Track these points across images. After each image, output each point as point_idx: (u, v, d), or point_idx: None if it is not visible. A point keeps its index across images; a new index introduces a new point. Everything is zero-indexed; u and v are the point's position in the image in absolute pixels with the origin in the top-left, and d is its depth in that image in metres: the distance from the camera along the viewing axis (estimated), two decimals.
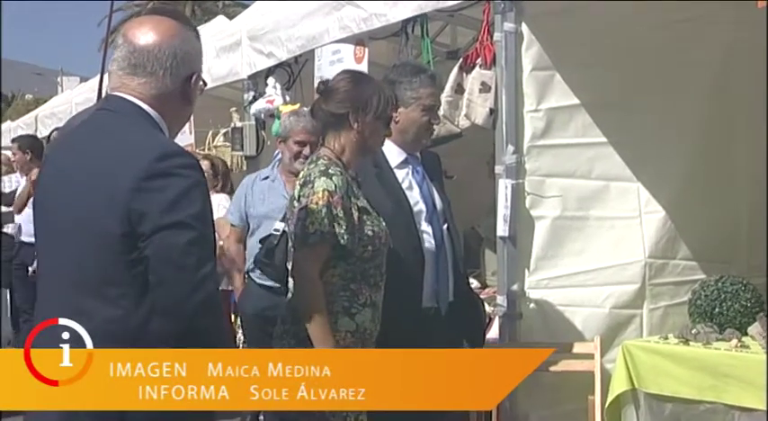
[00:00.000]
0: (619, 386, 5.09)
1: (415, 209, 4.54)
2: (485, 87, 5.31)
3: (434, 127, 4.75)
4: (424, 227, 4.55)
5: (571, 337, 5.26)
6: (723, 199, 5.70)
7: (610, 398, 5.08)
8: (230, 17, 10.29)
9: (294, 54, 6.96)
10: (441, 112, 5.63)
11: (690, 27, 5.43)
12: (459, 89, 5.55)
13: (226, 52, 8.38)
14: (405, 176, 4.59)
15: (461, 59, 5.61)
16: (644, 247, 5.58)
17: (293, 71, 7.59)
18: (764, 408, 4.62)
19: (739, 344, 4.90)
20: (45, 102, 18.24)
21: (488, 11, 5.23)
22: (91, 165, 2.81)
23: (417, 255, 4.46)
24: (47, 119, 14.34)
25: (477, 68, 5.42)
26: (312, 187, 3.89)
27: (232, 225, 6.45)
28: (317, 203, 3.83)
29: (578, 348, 5.17)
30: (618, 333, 5.40)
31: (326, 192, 3.84)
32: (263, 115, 7.71)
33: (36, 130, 14.60)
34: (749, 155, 5.72)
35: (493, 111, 5.23)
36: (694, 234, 5.69)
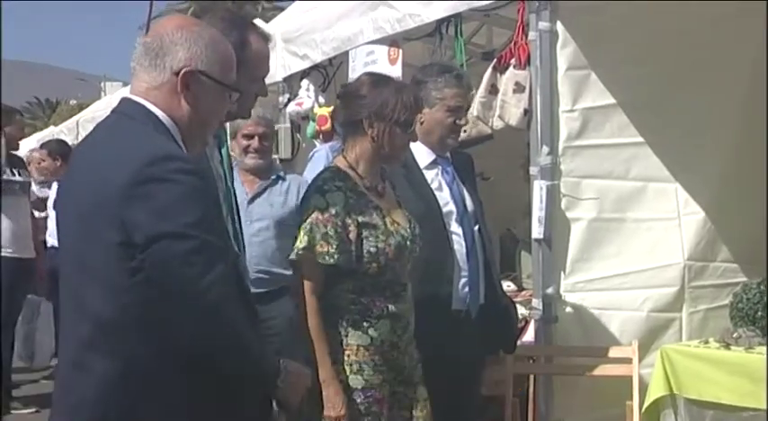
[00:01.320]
0: (657, 391, 4.99)
1: (445, 210, 4.47)
2: (519, 87, 5.24)
3: (463, 128, 4.67)
4: (455, 228, 4.48)
5: (608, 341, 5.20)
6: (763, 200, 5.57)
7: (647, 404, 4.98)
8: (267, 21, 10.23)
9: (328, 56, 6.91)
10: (474, 113, 5.62)
11: (728, 23, 5.34)
12: (493, 90, 5.48)
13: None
14: (434, 177, 4.53)
15: (495, 60, 5.56)
16: (683, 249, 5.53)
17: (328, 73, 7.57)
18: None
19: None
20: (87, 106, 18.45)
21: (523, 10, 5.18)
22: (91, 170, 2.74)
23: (447, 256, 4.40)
24: (88, 123, 14.37)
25: (510, 68, 5.36)
26: (307, 204, 3.88)
27: None
28: (305, 220, 3.79)
29: (615, 352, 5.09)
30: (656, 337, 5.32)
31: (316, 210, 3.78)
32: (297, 118, 7.64)
33: (77, 135, 14.86)
34: None
35: (527, 112, 5.17)
36: (735, 235, 5.63)
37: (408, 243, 3.95)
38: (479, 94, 5.55)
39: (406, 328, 3.92)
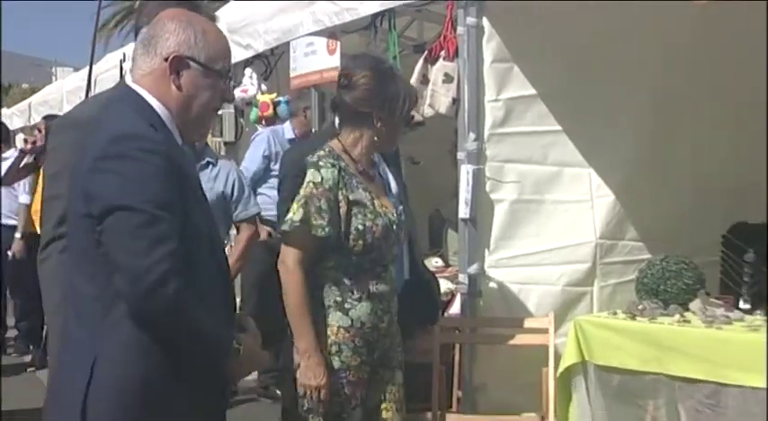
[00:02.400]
0: (570, 358, 5.11)
1: None
2: (448, 78, 5.32)
3: None
4: None
5: (527, 313, 5.31)
6: (669, 184, 5.73)
7: (561, 370, 5.10)
8: (212, 11, 10.22)
9: (270, 46, 6.96)
10: None
11: (640, 21, 5.45)
12: (423, 80, 5.53)
13: None
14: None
15: (426, 52, 5.60)
16: (595, 229, 5.63)
17: (270, 62, 7.62)
18: (703, 378, 4.70)
19: (682, 320, 4.94)
20: (39, 90, 18.29)
21: (452, 6, 5.25)
22: (78, 149, 2.79)
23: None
24: (39, 106, 14.37)
25: (440, 60, 5.42)
26: (300, 178, 3.81)
27: None
28: (300, 193, 3.74)
29: (533, 323, 5.20)
30: (570, 309, 5.45)
31: (310, 183, 3.74)
32: (241, 103, 7.68)
33: (29, 117, 14.84)
34: (694, 142, 5.74)
35: (455, 101, 5.24)
36: (642, 216, 5.74)
37: (395, 227, 3.92)
38: (412, 81, 5.66)
39: (387, 310, 3.89)
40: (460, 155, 5.19)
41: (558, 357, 5.15)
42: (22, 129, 14.57)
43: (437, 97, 5.45)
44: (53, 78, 18.46)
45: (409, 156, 7.64)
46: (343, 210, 3.76)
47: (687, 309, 5.06)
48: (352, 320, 3.76)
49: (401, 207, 4.09)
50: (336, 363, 3.73)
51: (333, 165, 3.79)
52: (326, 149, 3.90)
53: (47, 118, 9.59)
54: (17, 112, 16.56)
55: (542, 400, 5.07)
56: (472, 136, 5.10)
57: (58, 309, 3.25)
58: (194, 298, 2.63)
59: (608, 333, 5.03)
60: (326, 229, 3.71)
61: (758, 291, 5.20)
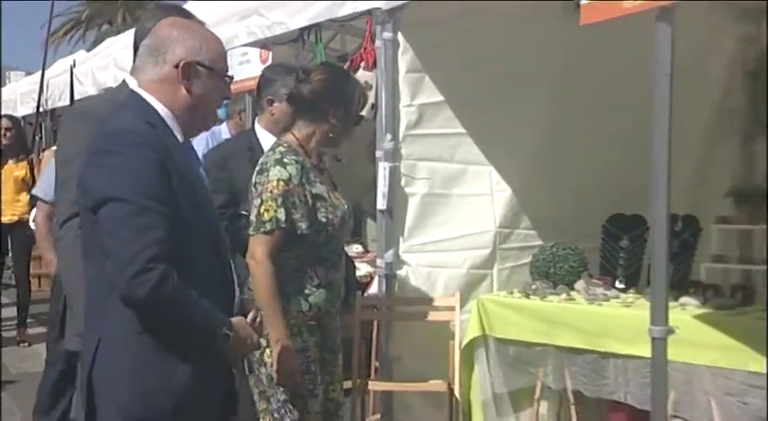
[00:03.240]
0: (473, 332, 5.27)
1: None
2: (367, 86, 5.29)
3: None
4: None
5: (436, 293, 5.41)
6: (558, 181, 5.85)
7: (465, 342, 5.25)
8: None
9: None
10: None
11: (533, 39, 5.57)
12: None
13: None
14: None
15: (348, 62, 5.68)
16: (494, 219, 5.72)
17: None
18: (586, 348, 4.88)
19: (568, 298, 5.14)
20: None
21: (371, 22, 5.30)
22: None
23: None
24: None
25: (361, 70, 5.48)
26: (267, 175, 3.68)
27: (43, 201, 5.92)
28: (271, 192, 3.62)
29: (442, 302, 5.32)
30: (473, 289, 5.55)
31: (281, 182, 3.63)
32: None
33: None
34: (581, 147, 5.86)
35: (374, 106, 5.28)
36: (535, 209, 5.84)
37: (347, 217, 3.87)
38: None
39: (338, 296, 3.86)
40: (378, 153, 5.23)
41: (462, 331, 5.25)
42: None
43: None
44: (6, 81, 17.96)
45: (333, 154, 7.77)
46: (310, 202, 3.69)
47: (573, 289, 5.22)
48: (310, 305, 3.71)
49: (349, 204, 4.03)
50: (298, 345, 3.65)
51: (296, 161, 3.70)
52: (285, 145, 3.80)
53: (8, 118, 9.51)
54: None
55: (449, 369, 5.14)
56: (389, 137, 5.15)
57: (77, 282, 3.19)
58: (182, 284, 2.55)
59: (505, 310, 5.19)
60: (303, 224, 3.64)
61: (631, 272, 5.36)
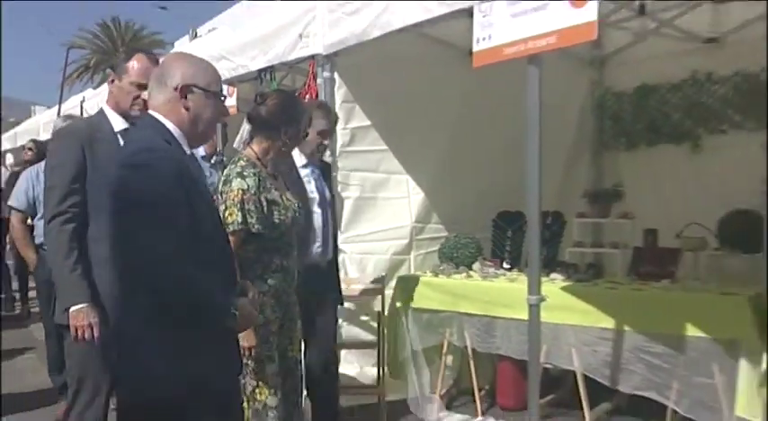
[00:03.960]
0: (395, 303, 5.32)
1: (311, 196, 4.31)
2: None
3: (325, 144, 4.50)
4: (316, 209, 4.32)
5: (367, 274, 5.39)
6: (459, 185, 5.82)
7: (389, 310, 5.28)
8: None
9: None
10: None
11: (438, 77, 5.56)
12: None
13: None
14: (306, 174, 4.35)
15: (297, 95, 5.53)
16: (411, 216, 5.74)
17: None
18: (480, 313, 4.94)
19: (467, 276, 5.20)
20: (21, 123, 17.80)
21: (313, 64, 5.25)
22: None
23: (310, 228, 4.27)
24: (24, 134, 13.92)
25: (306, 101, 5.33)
26: (230, 186, 3.51)
27: (17, 210, 5.67)
28: (233, 199, 3.46)
29: (372, 280, 5.29)
30: (395, 270, 5.56)
31: (241, 191, 3.46)
32: None
33: (15, 142, 14.37)
34: (476, 160, 5.84)
35: None
36: (442, 208, 5.86)
37: (297, 215, 3.73)
38: None
39: (293, 278, 3.72)
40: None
41: (387, 303, 5.27)
42: (9, 151, 14.05)
43: None
44: (32, 114, 17.54)
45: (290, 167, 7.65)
46: (265, 208, 3.54)
47: (471, 269, 5.27)
48: (269, 286, 3.57)
49: (299, 202, 3.82)
50: (261, 320, 3.43)
51: (254, 174, 3.54)
52: (245, 159, 3.63)
53: (32, 141, 9.27)
54: (6, 139, 16.10)
55: (379, 331, 5.15)
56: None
57: (63, 266, 3.21)
58: (197, 273, 2.41)
59: (420, 286, 5.21)
60: (256, 226, 3.48)
61: (514, 256, 5.44)
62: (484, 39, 3.78)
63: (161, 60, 2.87)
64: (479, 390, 5.16)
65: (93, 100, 10.74)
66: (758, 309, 4.14)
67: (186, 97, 2.58)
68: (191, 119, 2.61)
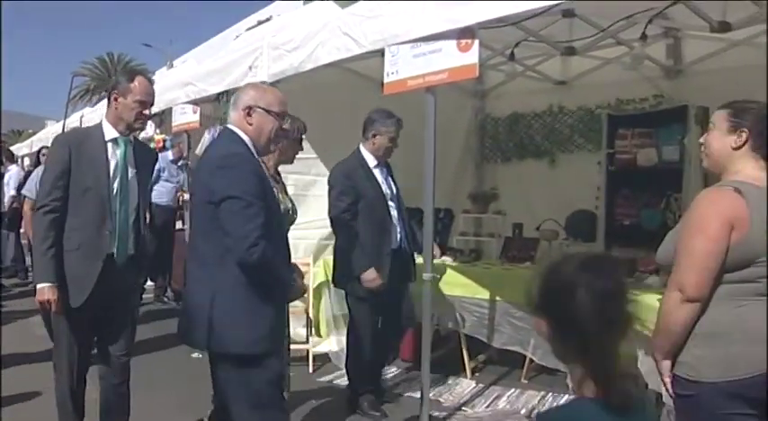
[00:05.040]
0: (320, 278, 5.21)
1: (385, 192, 4.15)
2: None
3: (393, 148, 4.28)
4: (390, 204, 4.17)
5: (299, 255, 5.17)
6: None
7: (315, 285, 5.17)
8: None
9: (161, 109, 6.47)
10: None
11: (357, 102, 5.27)
12: None
13: None
14: (378, 174, 4.19)
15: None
16: None
17: (162, 117, 7.29)
18: None
19: None
20: (36, 134, 17.55)
21: None
22: (204, 165, 2.62)
23: (387, 220, 4.12)
24: (38, 142, 13.41)
25: None
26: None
27: (28, 198, 5.82)
28: None
29: (302, 260, 5.09)
30: (321, 253, 5.42)
31: None
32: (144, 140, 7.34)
33: (31, 148, 13.93)
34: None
35: None
36: None
37: (291, 212, 3.65)
38: None
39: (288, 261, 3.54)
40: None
41: (314, 278, 5.17)
42: (27, 155, 13.68)
43: None
44: (45, 126, 17.09)
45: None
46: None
47: None
48: None
49: (291, 200, 3.76)
50: None
51: None
52: None
53: (45, 147, 8.63)
54: (25, 146, 15.82)
55: (307, 300, 5.01)
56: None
57: (38, 249, 3.03)
58: (273, 253, 2.45)
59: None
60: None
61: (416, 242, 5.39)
62: (392, 73, 3.77)
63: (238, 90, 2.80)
64: None
65: (90, 116, 10.53)
66: None
67: (250, 115, 2.61)
68: (255, 132, 2.60)
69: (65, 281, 3.05)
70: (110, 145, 3.16)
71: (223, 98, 5.75)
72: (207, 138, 6.21)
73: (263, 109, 2.62)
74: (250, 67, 5.17)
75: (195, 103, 6.00)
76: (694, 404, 2.07)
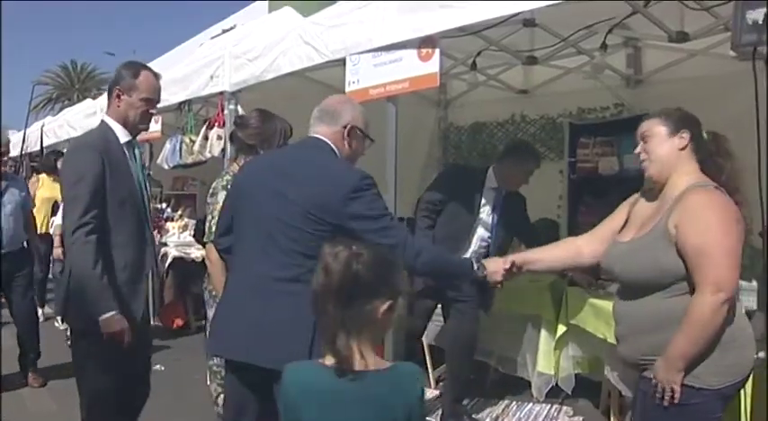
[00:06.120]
0: None
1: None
2: (219, 137, 5.11)
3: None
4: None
5: None
6: None
7: None
8: (93, 98, 9.43)
9: None
10: (197, 148, 5.45)
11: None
12: (205, 137, 5.34)
13: (88, 117, 7.79)
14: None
15: (208, 122, 5.38)
16: None
17: None
18: None
19: None
20: None
21: (221, 99, 5.01)
22: (310, 176, 2.22)
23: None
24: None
25: (215, 127, 5.21)
26: (216, 198, 3.14)
27: None
28: (219, 210, 2.94)
29: None
30: None
31: (225, 202, 3.00)
32: None
33: None
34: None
35: (223, 149, 4.97)
36: None
37: None
38: (199, 138, 5.40)
39: None
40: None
41: None
42: None
43: (213, 147, 5.24)
44: (8, 135, 16.50)
45: (201, 180, 7.35)
46: None
47: None
48: None
49: None
50: None
51: None
52: (231, 173, 3.22)
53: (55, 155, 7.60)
54: None
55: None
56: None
57: (92, 276, 2.57)
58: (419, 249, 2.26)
59: None
60: None
61: None
62: (354, 82, 3.71)
63: (329, 99, 2.50)
64: None
65: (51, 125, 10.24)
66: (555, 292, 4.18)
67: (350, 136, 2.37)
68: (351, 154, 2.39)
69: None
70: (125, 148, 2.84)
71: (185, 108, 5.71)
72: (168, 147, 6.06)
73: (362, 132, 2.41)
74: (211, 77, 5.09)
75: (158, 112, 5.81)
76: (692, 412, 2.03)
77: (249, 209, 2.30)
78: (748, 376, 2.13)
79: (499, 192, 4.02)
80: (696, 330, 1.98)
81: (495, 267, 2.59)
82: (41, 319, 6.03)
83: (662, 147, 2.23)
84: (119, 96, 2.85)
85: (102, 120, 2.88)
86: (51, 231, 6.43)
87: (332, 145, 2.34)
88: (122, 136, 2.84)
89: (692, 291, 2.02)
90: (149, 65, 3.05)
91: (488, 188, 3.99)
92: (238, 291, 2.27)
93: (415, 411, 1.56)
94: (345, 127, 2.36)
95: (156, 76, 2.95)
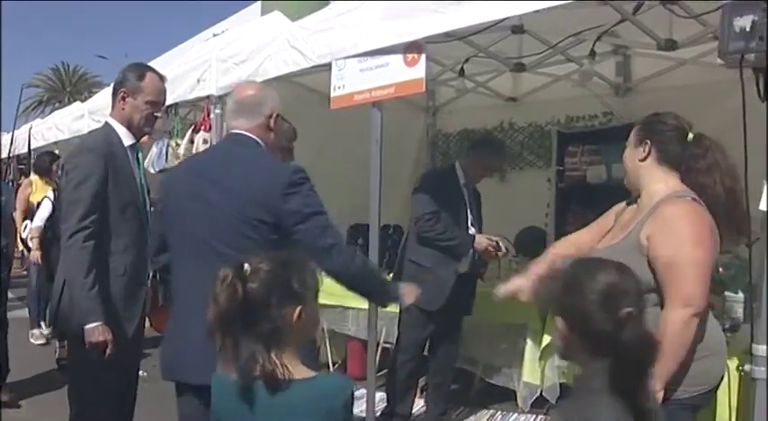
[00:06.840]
0: None
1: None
2: (206, 141, 5.04)
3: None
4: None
5: None
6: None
7: None
8: (82, 101, 9.33)
9: None
10: (182, 152, 5.36)
11: (305, 116, 4.89)
12: (191, 140, 5.26)
13: (76, 120, 7.64)
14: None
15: (194, 126, 5.31)
16: None
17: None
18: (334, 304, 4.65)
19: (325, 274, 4.89)
20: None
21: (208, 102, 4.95)
22: (237, 175, 2.12)
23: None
24: None
25: (201, 131, 5.14)
26: None
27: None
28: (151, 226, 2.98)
29: None
30: None
31: None
32: None
33: None
34: (334, 179, 5.11)
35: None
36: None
37: None
38: (185, 142, 5.32)
39: None
40: None
41: None
42: None
43: (199, 151, 5.09)
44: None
45: None
46: None
47: None
48: None
49: None
50: None
51: None
52: None
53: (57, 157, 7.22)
54: None
55: None
56: None
57: (83, 283, 2.51)
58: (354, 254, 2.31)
59: None
60: None
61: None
62: (339, 87, 3.65)
63: (242, 87, 2.43)
64: (333, 364, 4.96)
65: (39, 127, 10.09)
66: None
67: (276, 124, 2.30)
68: (275, 141, 2.33)
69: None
70: (128, 151, 2.77)
71: (172, 111, 5.63)
72: (155, 151, 5.96)
73: (282, 119, 2.39)
74: (198, 81, 5.01)
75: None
76: None
77: (180, 223, 2.19)
78: (718, 385, 2.08)
79: (468, 187, 4.04)
80: (671, 347, 1.91)
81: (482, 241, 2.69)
82: (42, 341, 5.94)
83: (629, 158, 2.25)
84: (123, 98, 2.79)
85: (106, 122, 2.82)
86: (24, 235, 6.11)
87: (256, 138, 2.24)
88: (126, 138, 2.77)
89: (662, 303, 1.97)
90: None
91: (462, 184, 4.01)
92: (183, 311, 2.15)
93: (339, 419, 1.53)
94: (270, 117, 2.27)
95: (162, 78, 2.90)
